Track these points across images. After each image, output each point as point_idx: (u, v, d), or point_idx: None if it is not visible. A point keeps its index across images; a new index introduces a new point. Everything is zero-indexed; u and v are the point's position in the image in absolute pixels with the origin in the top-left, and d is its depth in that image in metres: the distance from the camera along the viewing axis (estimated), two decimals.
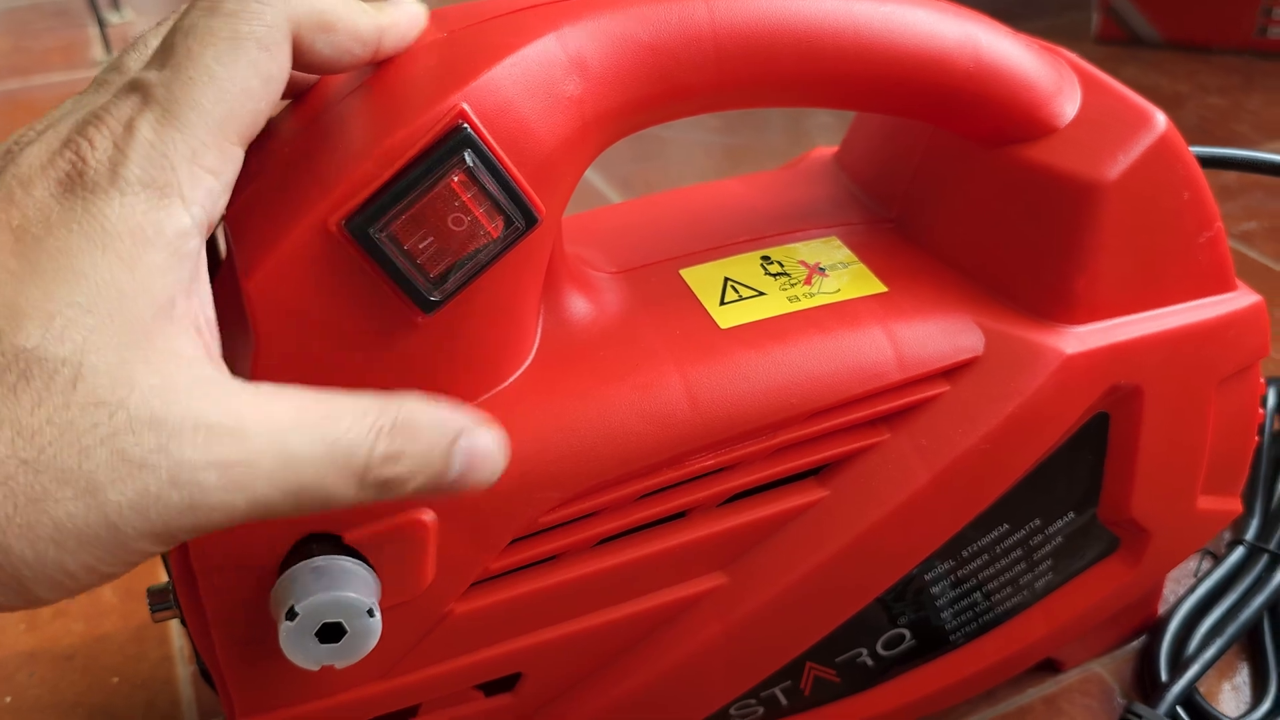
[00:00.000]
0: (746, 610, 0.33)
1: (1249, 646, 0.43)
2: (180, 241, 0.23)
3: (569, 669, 0.33)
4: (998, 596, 0.37)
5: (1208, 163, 0.39)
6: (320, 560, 0.29)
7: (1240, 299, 0.36)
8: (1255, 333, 0.36)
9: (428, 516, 0.30)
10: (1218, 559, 0.44)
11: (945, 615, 0.36)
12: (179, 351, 0.22)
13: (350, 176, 0.25)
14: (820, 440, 0.32)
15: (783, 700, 0.36)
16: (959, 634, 0.37)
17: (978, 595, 0.36)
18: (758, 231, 0.36)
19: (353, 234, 0.25)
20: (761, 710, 0.36)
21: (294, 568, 0.28)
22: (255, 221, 0.26)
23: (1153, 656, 0.41)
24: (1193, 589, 0.43)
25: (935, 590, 0.35)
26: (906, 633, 0.36)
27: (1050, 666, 0.43)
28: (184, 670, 0.45)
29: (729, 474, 0.32)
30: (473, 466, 0.25)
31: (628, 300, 0.34)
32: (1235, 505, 0.39)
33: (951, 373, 0.33)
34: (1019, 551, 0.36)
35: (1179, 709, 0.39)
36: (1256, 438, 0.38)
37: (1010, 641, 0.37)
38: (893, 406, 0.32)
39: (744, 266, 0.35)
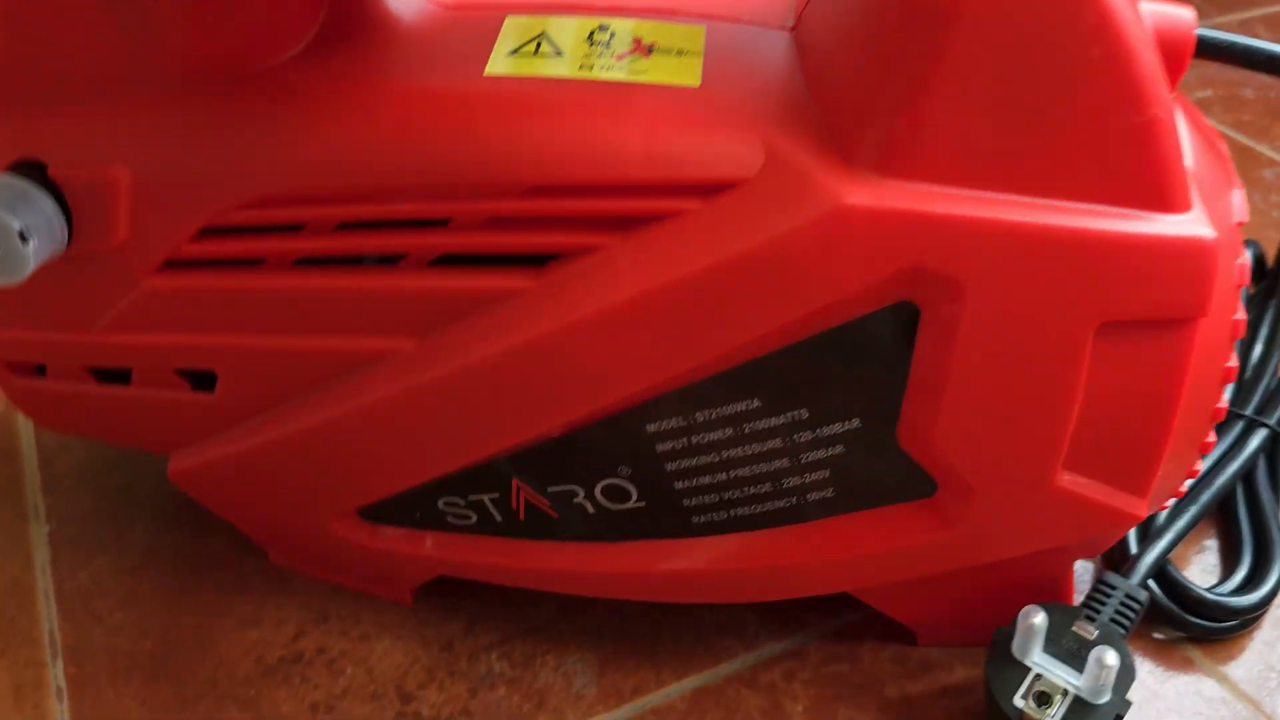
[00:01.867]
0: (426, 380, 0.30)
1: (1220, 518, 0.41)
2: None
3: (260, 386, 0.32)
4: (752, 490, 0.31)
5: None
6: (6, 178, 0.29)
7: (1177, 227, 0.27)
8: (1183, 279, 0.27)
9: (123, 174, 0.30)
10: None
11: (680, 487, 0.31)
12: None
13: None
14: (540, 224, 0.28)
15: (495, 515, 0.33)
16: (702, 518, 0.31)
17: (722, 476, 0.30)
18: (640, 4, 0.32)
19: None
20: (474, 518, 0.33)
21: None
22: None
23: None
24: None
25: (663, 449, 0.30)
26: (632, 490, 0.31)
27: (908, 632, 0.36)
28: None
29: (439, 231, 0.29)
30: None
31: (429, 26, 0.31)
32: (1135, 506, 0.30)
33: (709, 191, 0.27)
34: (778, 442, 0.30)
35: (1151, 581, 0.36)
36: (1168, 431, 0.29)
37: (775, 553, 0.31)
38: (627, 209, 0.27)
39: (574, 28, 0.31)
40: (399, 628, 0.37)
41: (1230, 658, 0.36)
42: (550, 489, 0.31)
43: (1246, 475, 0.40)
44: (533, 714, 0.34)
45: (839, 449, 0.29)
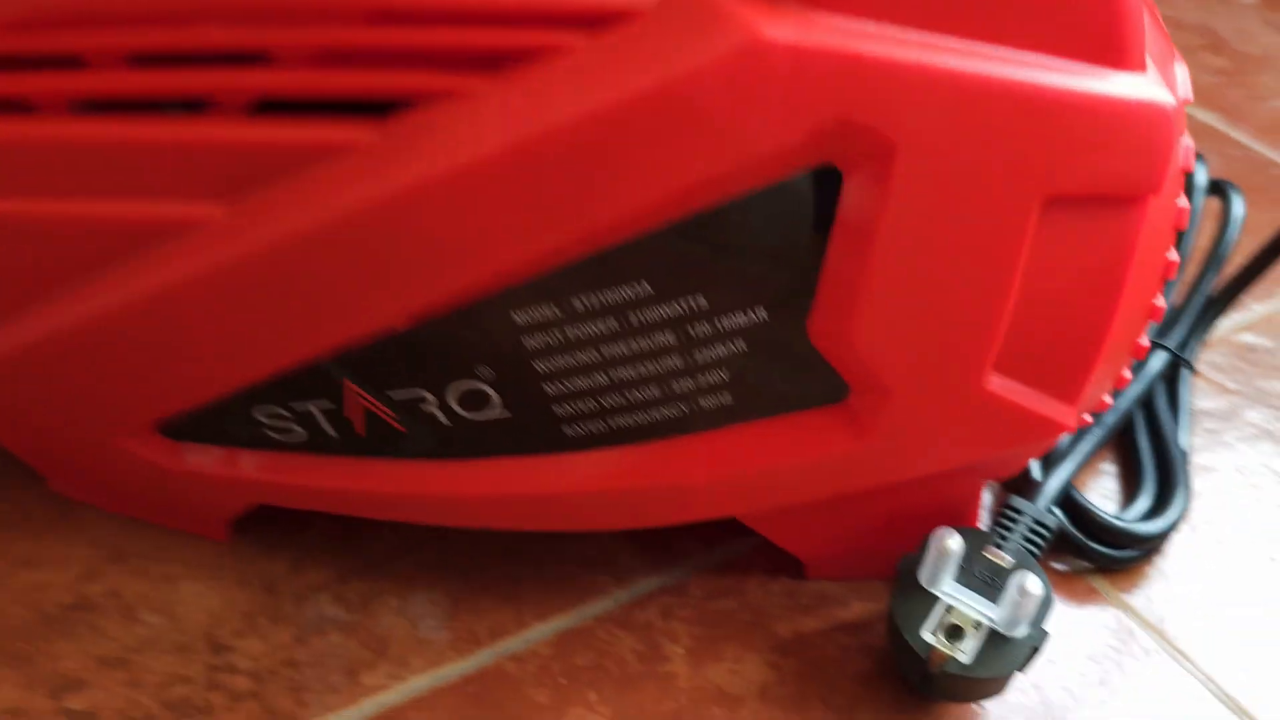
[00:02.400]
0: (238, 256, 0.24)
1: (1118, 445, 0.39)
2: None
3: (28, 266, 0.25)
4: (637, 395, 0.26)
5: None
6: None
7: (1134, 88, 0.23)
8: (1138, 150, 0.23)
9: None
10: None
11: (551, 391, 0.26)
12: None
13: None
14: (385, 61, 0.23)
15: (328, 429, 0.27)
16: (577, 429, 0.27)
17: (602, 379, 0.26)
18: None
19: None
20: (302, 433, 0.27)
21: None
22: None
23: None
24: None
25: (532, 344, 0.25)
26: (493, 395, 0.26)
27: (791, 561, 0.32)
28: None
29: (256, 69, 0.23)
30: None
31: None
32: (1064, 415, 0.27)
33: (595, 23, 0.22)
34: (670, 337, 0.25)
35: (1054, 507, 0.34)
36: (1108, 328, 0.25)
37: (661, 471, 0.27)
38: (494, 43, 0.22)
39: None
40: (211, 567, 0.31)
41: (1133, 586, 0.34)
42: (394, 395, 0.26)
43: (1146, 401, 0.38)
44: (372, 662, 0.29)
45: (740, 345, 0.25)
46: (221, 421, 0.27)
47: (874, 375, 0.25)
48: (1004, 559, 0.29)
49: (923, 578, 0.29)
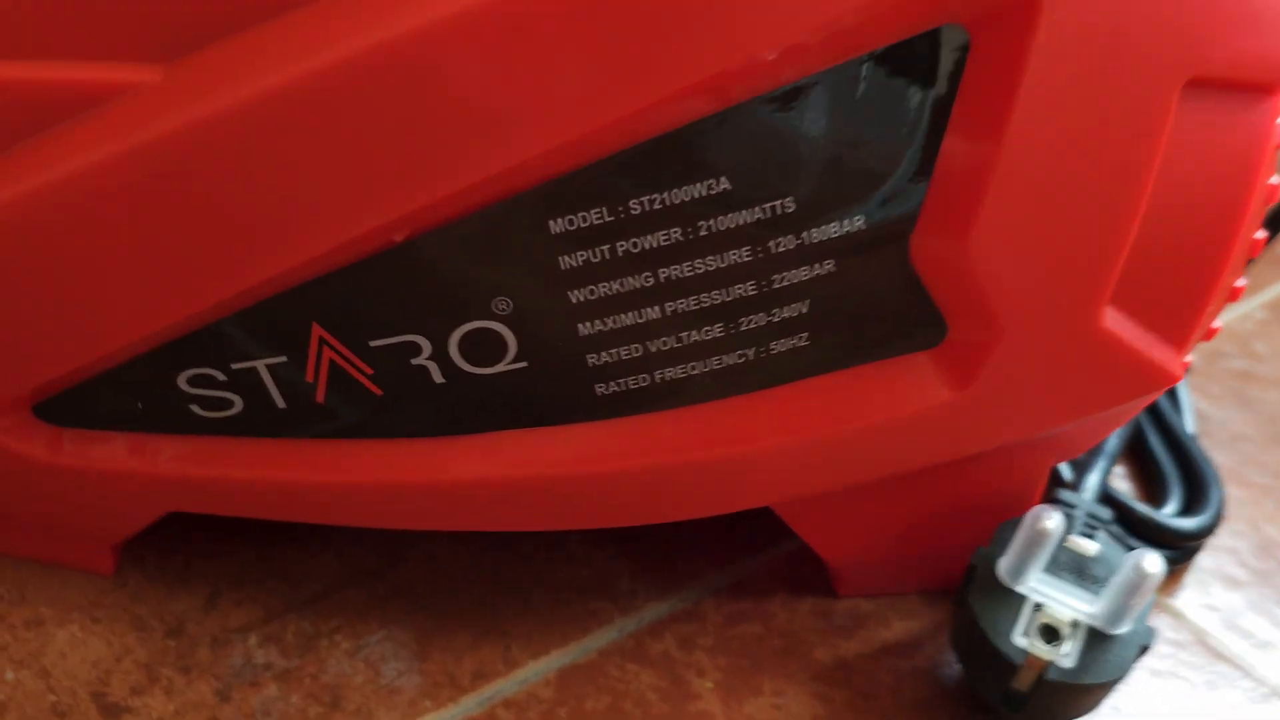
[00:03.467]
0: (170, 128, 0.17)
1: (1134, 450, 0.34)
2: None
3: None
4: (693, 336, 0.21)
5: None
6: None
7: None
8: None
9: None
10: None
11: (586, 330, 0.20)
12: None
13: None
14: None
15: (274, 396, 0.21)
16: (611, 386, 0.21)
17: (653, 313, 0.20)
18: None
19: None
20: (239, 406, 0.21)
21: None
22: None
23: None
24: None
25: (569, 266, 0.19)
26: (509, 338, 0.20)
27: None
28: None
29: None
30: None
31: None
32: (1173, 362, 0.22)
33: None
34: (743, 253, 0.20)
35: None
36: (1231, 248, 0.22)
37: (711, 437, 0.21)
38: None
39: None
40: (94, 607, 0.24)
41: (1171, 588, 0.30)
42: (376, 344, 0.20)
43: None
44: (325, 717, 0.22)
45: (829, 265, 0.20)
46: (128, 394, 0.20)
47: (984, 305, 0.20)
48: (1087, 546, 0.25)
49: (1004, 573, 0.24)
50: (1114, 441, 0.32)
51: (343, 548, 0.26)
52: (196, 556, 0.25)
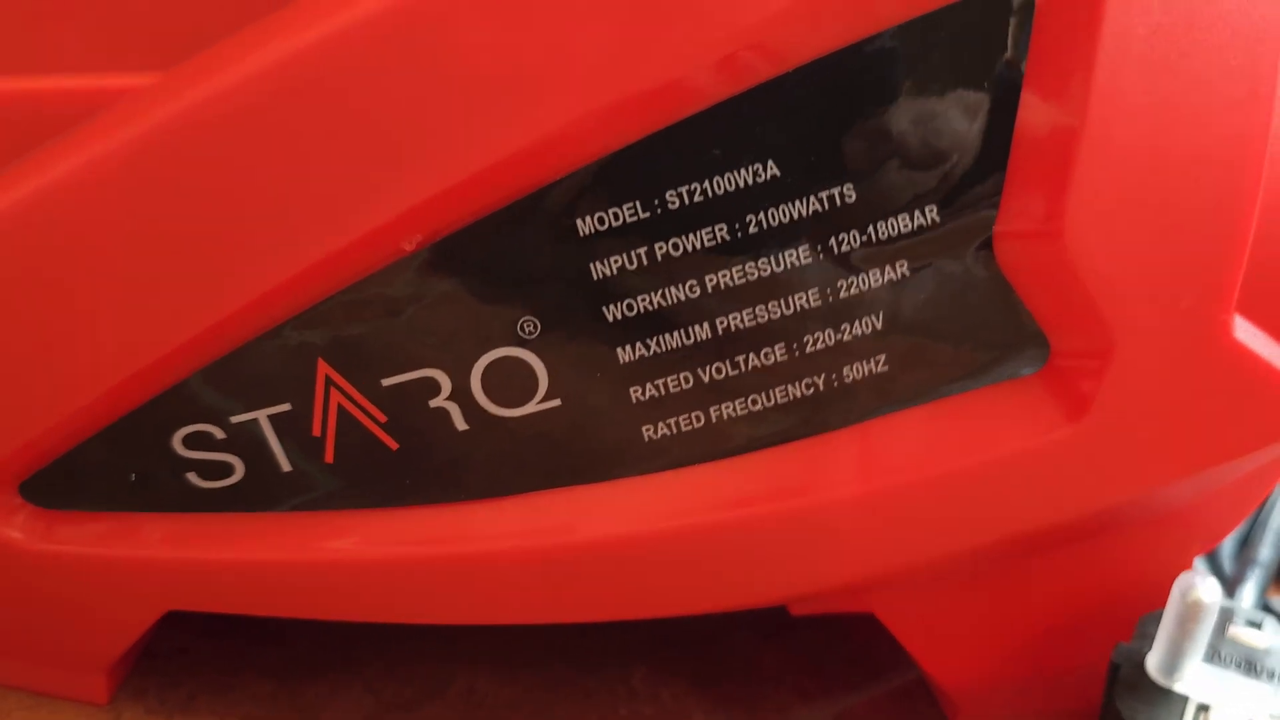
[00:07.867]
0: (159, 121, 0.16)
1: None
2: None
3: None
4: (753, 360, 0.18)
5: None
6: None
7: None
8: None
9: None
10: None
11: (627, 358, 0.18)
12: None
13: None
14: None
15: (279, 457, 0.18)
16: (659, 428, 0.18)
17: (703, 333, 0.18)
18: None
19: None
20: (239, 473, 0.18)
21: None
22: None
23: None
24: None
25: (604, 271, 0.17)
26: (539, 368, 0.18)
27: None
28: None
29: None
30: None
31: None
32: None
33: None
34: (802, 254, 0.17)
35: None
36: None
37: (780, 487, 0.18)
38: None
39: None
40: None
41: None
42: (389, 381, 0.18)
43: None
44: None
45: (902, 268, 0.17)
46: (122, 462, 0.18)
47: (1089, 311, 0.18)
48: (1257, 638, 0.20)
49: (1155, 670, 0.20)
50: (1268, 552, 0.27)
51: (372, 680, 0.23)
52: (203, 691, 0.22)
